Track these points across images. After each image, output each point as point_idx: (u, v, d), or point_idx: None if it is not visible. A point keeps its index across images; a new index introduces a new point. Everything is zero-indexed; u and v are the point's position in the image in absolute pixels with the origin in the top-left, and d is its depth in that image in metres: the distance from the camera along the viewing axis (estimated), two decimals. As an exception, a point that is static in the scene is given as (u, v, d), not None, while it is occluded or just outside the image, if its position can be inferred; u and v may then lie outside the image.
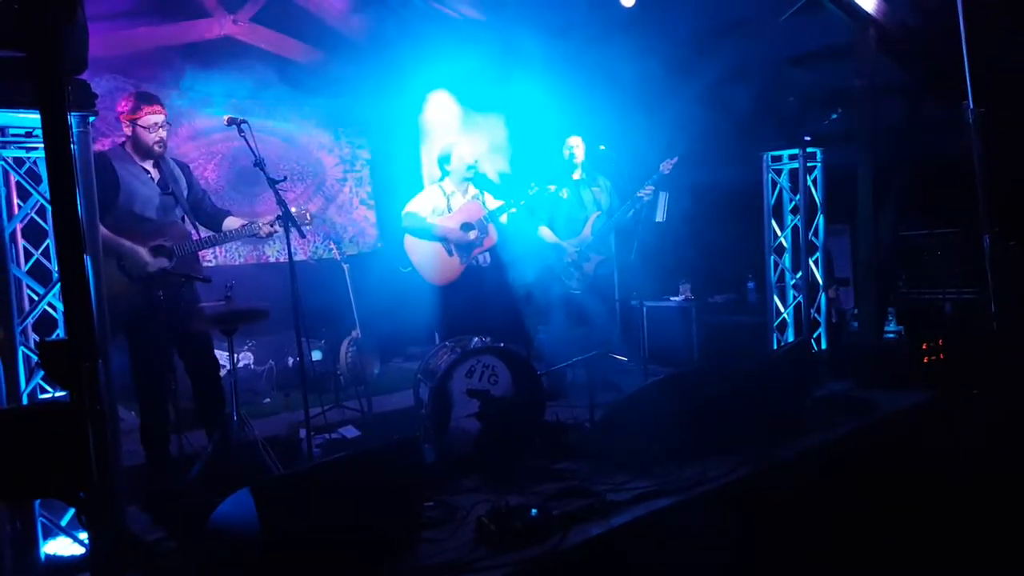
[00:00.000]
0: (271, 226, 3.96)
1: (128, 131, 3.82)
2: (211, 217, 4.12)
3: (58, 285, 2.95)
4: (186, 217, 3.96)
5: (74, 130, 2.71)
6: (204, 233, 4.01)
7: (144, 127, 3.78)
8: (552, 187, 5.24)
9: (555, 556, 2.97)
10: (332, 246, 5.59)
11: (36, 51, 1.77)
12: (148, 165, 3.87)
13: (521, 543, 3.01)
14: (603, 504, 3.33)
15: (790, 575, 3.35)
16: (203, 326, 3.95)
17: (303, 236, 3.90)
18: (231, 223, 4.08)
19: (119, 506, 2.41)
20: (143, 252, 3.73)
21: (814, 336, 5.70)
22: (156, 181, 3.87)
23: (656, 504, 3.33)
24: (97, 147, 3.78)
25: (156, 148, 3.82)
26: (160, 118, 3.82)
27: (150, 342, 3.75)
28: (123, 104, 3.83)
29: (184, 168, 4.10)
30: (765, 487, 3.72)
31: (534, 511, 3.14)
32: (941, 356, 5.23)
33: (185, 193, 3.99)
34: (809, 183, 5.72)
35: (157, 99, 3.87)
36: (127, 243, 3.69)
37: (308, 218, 4.12)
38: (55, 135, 1.77)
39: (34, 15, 1.85)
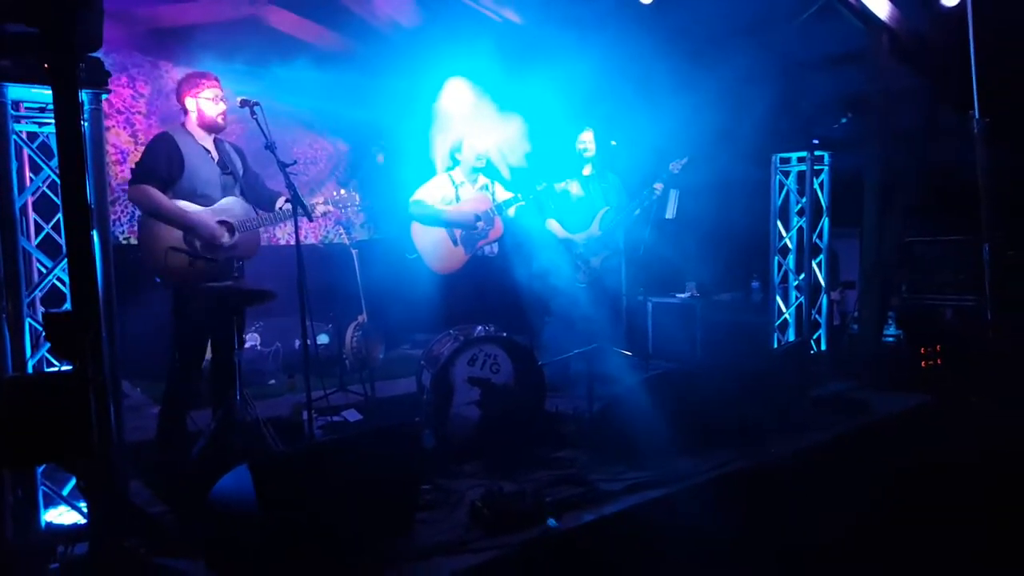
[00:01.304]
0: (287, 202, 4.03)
1: (192, 108, 3.87)
2: (266, 199, 4.15)
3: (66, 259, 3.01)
4: (245, 196, 4.02)
5: (87, 107, 2.75)
6: (262, 213, 4.06)
7: (209, 99, 3.86)
8: (560, 185, 5.27)
9: (546, 540, 3.02)
10: (341, 231, 5.64)
11: (49, 27, 1.81)
12: (208, 144, 3.92)
13: (513, 527, 3.07)
14: (596, 493, 3.38)
15: (779, 569, 3.37)
16: (210, 304, 4.01)
17: (311, 219, 3.94)
18: (281, 203, 4.13)
19: (119, 474, 2.47)
20: (213, 224, 3.81)
21: (814, 337, 5.71)
22: (216, 161, 3.93)
23: (647, 495, 3.38)
24: (122, 128, 3.84)
25: (220, 120, 3.89)
26: (219, 92, 3.90)
27: (199, 318, 3.83)
28: (184, 83, 3.89)
29: (239, 151, 4.15)
30: (758, 482, 3.76)
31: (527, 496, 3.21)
32: (939, 361, 5.24)
33: (241, 173, 4.05)
34: (816, 186, 5.73)
35: (212, 74, 3.93)
36: (193, 215, 3.76)
37: (353, 197, 4.25)
38: (66, 111, 1.81)
39: (50, -8, 1.89)
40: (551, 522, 3.03)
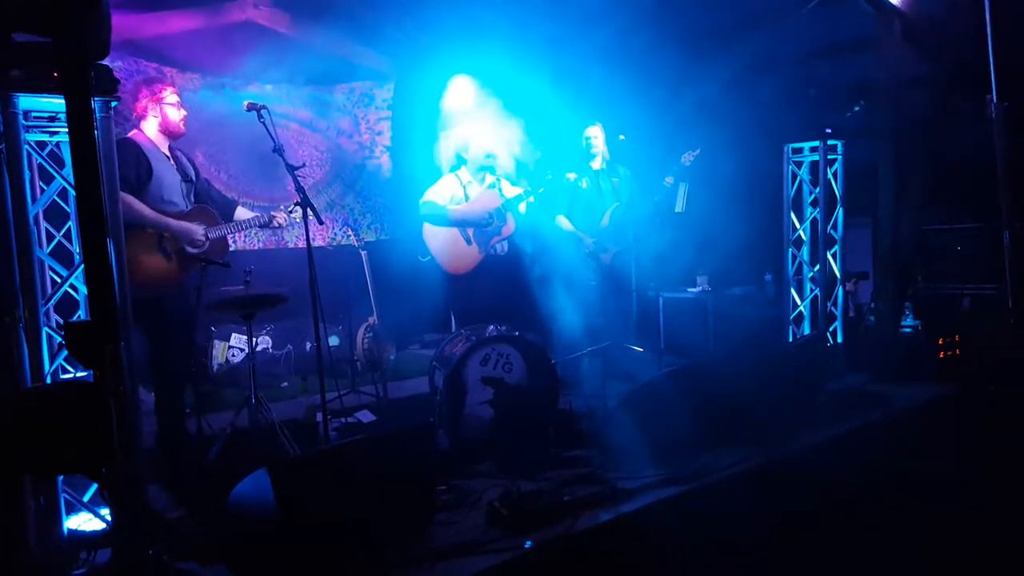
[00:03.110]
0: (285, 215, 4.11)
1: (155, 114, 3.88)
2: (220, 206, 4.19)
3: (81, 267, 3.01)
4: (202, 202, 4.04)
5: (97, 115, 2.75)
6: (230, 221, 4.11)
7: (171, 105, 3.88)
8: (571, 175, 5.24)
9: (565, 540, 3.01)
10: (350, 232, 5.63)
11: (62, 36, 1.81)
12: (166, 150, 3.93)
13: (531, 527, 3.06)
14: (613, 491, 3.37)
15: (798, 565, 3.35)
16: (223, 310, 4.02)
17: (321, 223, 3.94)
18: (242, 214, 4.21)
19: (141, 483, 2.47)
20: (195, 228, 3.85)
21: (830, 329, 5.67)
22: (175, 167, 3.94)
23: (665, 492, 3.36)
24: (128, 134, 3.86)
25: (181, 126, 3.93)
26: (177, 97, 3.93)
27: (176, 323, 3.83)
28: (145, 91, 3.89)
29: (189, 158, 4.18)
30: (776, 478, 3.73)
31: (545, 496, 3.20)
32: (958, 351, 5.19)
33: (194, 181, 4.09)
34: (829, 176, 5.68)
35: (170, 80, 3.96)
36: (175, 222, 3.79)
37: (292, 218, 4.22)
38: (80, 120, 1.81)
39: (59, 1, 1.88)
40: (527, 544, 3.01)
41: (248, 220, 4.13)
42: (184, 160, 4.06)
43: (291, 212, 4.04)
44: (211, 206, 4.09)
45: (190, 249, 3.81)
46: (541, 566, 2.95)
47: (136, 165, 3.72)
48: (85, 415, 1.84)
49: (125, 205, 3.57)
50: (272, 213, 4.15)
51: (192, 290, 3.87)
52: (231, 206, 4.22)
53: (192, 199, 3.99)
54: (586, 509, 3.21)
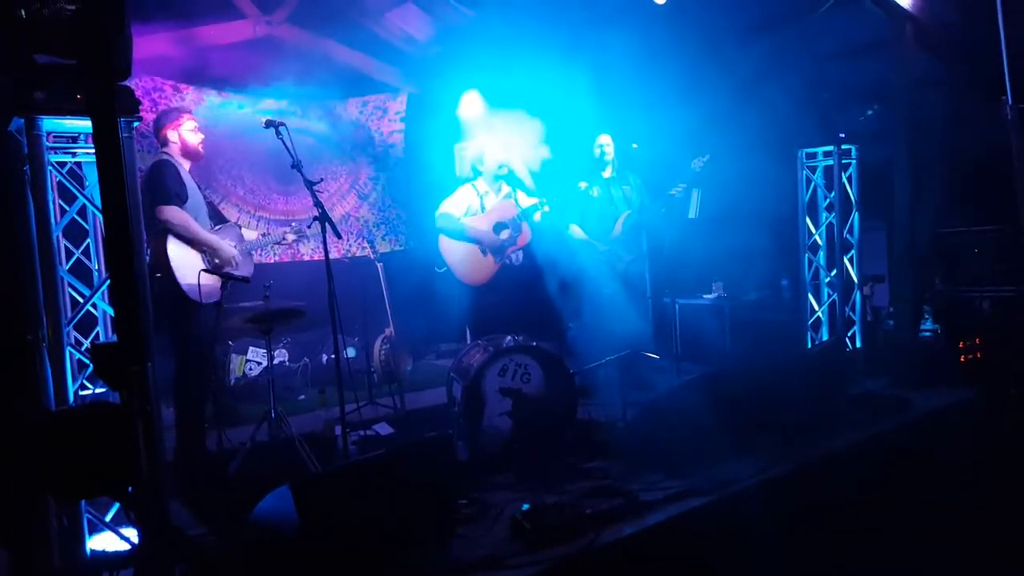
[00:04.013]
0: (295, 233, 4.37)
1: (175, 139, 4.00)
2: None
3: (104, 286, 3.03)
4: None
5: (121, 135, 2.77)
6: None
7: (190, 130, 4.02)
8: (583, 184, 5.23)
9: (588, 555, 2.99)
10: (365, 245, 5.65)
11: (87, 58, 1.82)
12: (187, 173, 4.03)
13: (554, 541, 3.04)
14: (636, 503, 3.34)
15: (822, 572, 3.32)
16: (241, 325, 4.05)
17: (339, 237, 3.96)
18: (248, 234, 4.34)
19: (166, 504, 2.47)
20: (232, 250, 4.00)
21: (849, 334, 5.63)
22: (199, 189, 4.10)
23: (689, 504, 3.33)
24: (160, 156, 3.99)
25: (200, 149, 4.06)
26: (194, 123, 4.06)
27: (202, 337, 3.91)
28: (164, 118, 4.05)
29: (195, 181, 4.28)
30: (799, 486, 3.70)
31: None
32: (979, 355, 5.14)
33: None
34: (844, 180, 5.65)
35: (188, 108, 4.23)
36: (223, 242, 3.96)
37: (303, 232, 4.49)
38: (106, 141, 1.82)
39: (87, 24, 1.90)
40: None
41: (257, 240, 4.33)
42: (197, 184, 4.19)
43: (309, 227, 4.09)
44: None
45: (228, 269, 3.92)
46: (565, 580, 2.92)
47: (178, 181, 3.86)
48: (112, 437, 1.84)
49: (186, 223, 3.79)
50: (284, 231, 4.37)
51: (213, 306, 3.92)
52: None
53: (214, 219, 4.13)
54: (609, 523, 3.18)
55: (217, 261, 3.92)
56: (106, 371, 1.88)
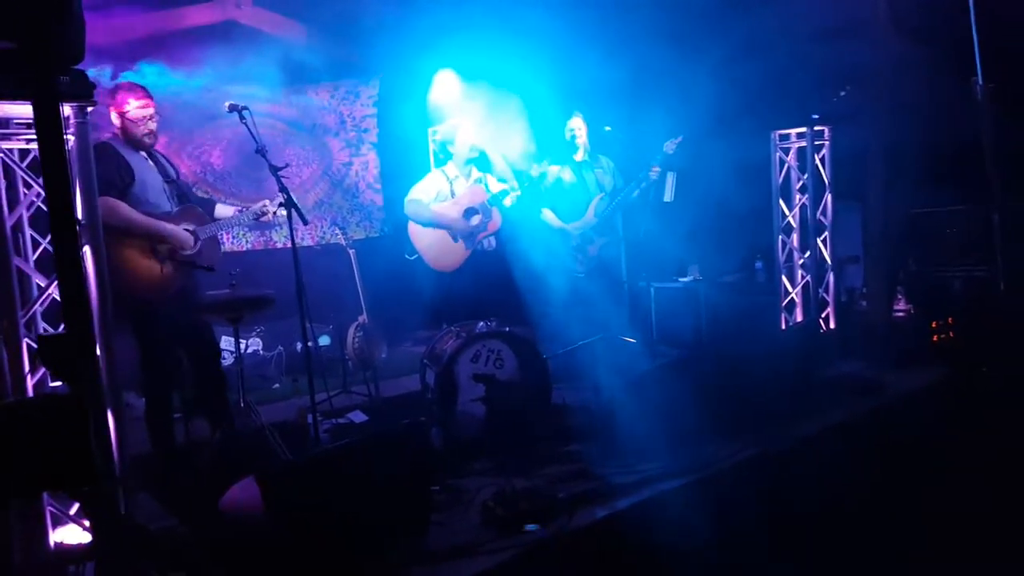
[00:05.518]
0: (273, 210, 3.98)
1: (117, 123, 3.76)
2: (200, 205, 4.09)
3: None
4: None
5: (73, 121, 2.69)
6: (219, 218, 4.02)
7: (132, 120, 3.72)
8: (554, 168, 5.19)
9: (561, 538, 2.99)
10: (338, 231, 5.58)
11: (26, 41, 1.76)
12: (145, 152, 3.84)
13: (527, 525, 3.04)
14: (608, 487, 3.35)
15: (796, 555, 3.34)
16: (209, 314, 3.97)
17: (305, 223, 3.87)
18: (224, 211, 4.09)
19: (119, 497, 2.42)
20: (183, 232, 3.74)
21: (822, 315, 5.65)
22: (156, 169, 3.87)
23: (661, 486, 3.34)
24: (103, 137, 3.76)
25: (146, 140, 3.78)
26: (149, 111, 3.76)
27: (164, 329, 3.78)
28: (110, 96, 3.77)
29: (170, 161, 4.09)
30: (772, 468, 3.72)
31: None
32: (951, 334, 5.19)
33: (176, 181, 4.00)
34: (817, 162, 5.65)
35: (144, 90, 3.79)
36: (166, 225, 3.69)
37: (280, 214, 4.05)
38: (48, 126, 1.76)
39: (24, 5, 1.83)
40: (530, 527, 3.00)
41: (234, 217, 4.02)
42: (163, 160, 3.98)
43: (275, 213, 3.97)
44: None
45: (184, 252, 3.74)
46: (538, 565, 2.92)
47: (117, 168, 3.62)
48: (61, 431, 1.79)
49: (112, 210, 3.49)
50: (262, 204, 4.01)
51: (190, 294, 3.82)
52: (210, 205, 4.13)
53: (176, 200, 3.91)
54: (581, 506, 3.19)
55: (167, 247, 3.70)
56: (53, 363, 1.83)
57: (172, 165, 4.06)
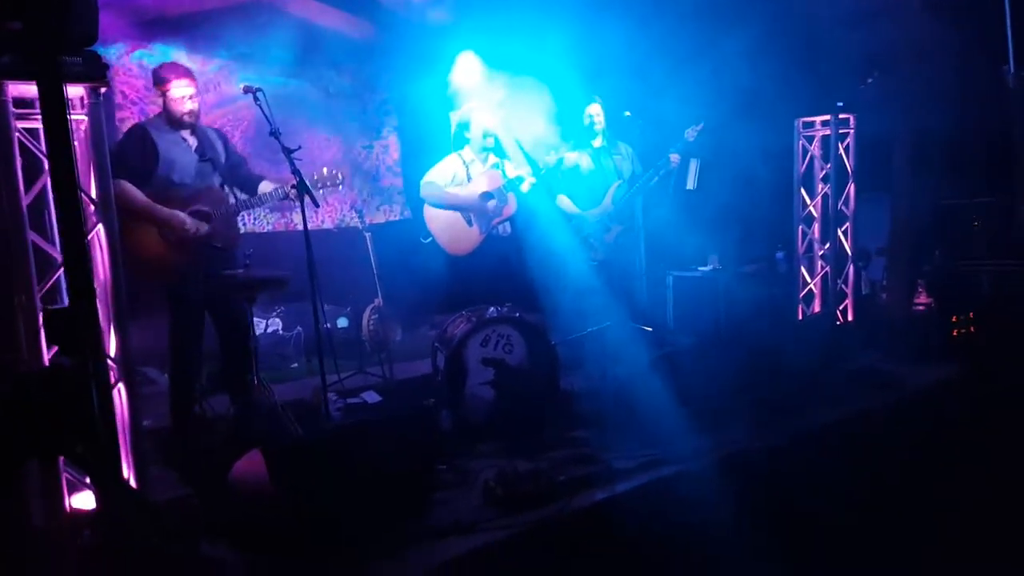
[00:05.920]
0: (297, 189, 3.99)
1: (160, 102, 3.89)
2: (247, 181, 4.15)
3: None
4: (224, 184, 4.02)
5: (86, 101, 2.76)
6: (241, 197, 4.06)
7: (173, 99, 3.84)
8: (572, 154, 5.17)
9: (560, 519, 3.02)
10: (354, 215, 5.63)
11: (31, 22, 1.81)
12: (185, 133, 3.92)
13: (527, 507, 3.08)
14: (609, 471, 3.37)
15: (801, 547, 3.33)
16: (223, 293, 4.05)
17: (317, 205, 3.92)
18: (265, 187, 4.13)
19: (119, 466, 2.51)
20: (182, 216, 3.81)
21: (841, 308, 5.58)
22: (194, 148, 3.94)
23: (660, 472, 3.36)
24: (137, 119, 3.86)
25: (186, 119, 3.87)
26: (190, 90, 3.86)
27: (190, 307, 3.88)
28: (153, 76, 3.91)
29: (221, 135, 4.17)
30: (784, 459, 3.70)
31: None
32: (971, 329, 5.08)
33: (222, 159, 4.05)
34: (841, 151, 5.55)
35: (186, 71, 3.90)
36: (164, 209, 3.78)
37: (340, 177, 4.09)
38: (51, 106, 1.82)
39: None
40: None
41: (273, 192, 4.04)
42: (212, 139, 4.04)
43: (270, 192, 4.01)
44: (235, 182, 4.07)
45: (192, 232, 3.82)
46: (536, 545, 2.97)
47: (141, 152, 3.74)
48: (66, 400, 1.87)
49: (119, 193, 3.50)
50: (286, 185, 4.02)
51: (202, 273, 3.89)
52: (256, 181, 4.17)
53: (215, 179, 3.97)
54: (581, 489, 3.22)
55: (170, 229, 3.78)
56: (58, 336, 1.90)
57: (223, 139, 4.14)
